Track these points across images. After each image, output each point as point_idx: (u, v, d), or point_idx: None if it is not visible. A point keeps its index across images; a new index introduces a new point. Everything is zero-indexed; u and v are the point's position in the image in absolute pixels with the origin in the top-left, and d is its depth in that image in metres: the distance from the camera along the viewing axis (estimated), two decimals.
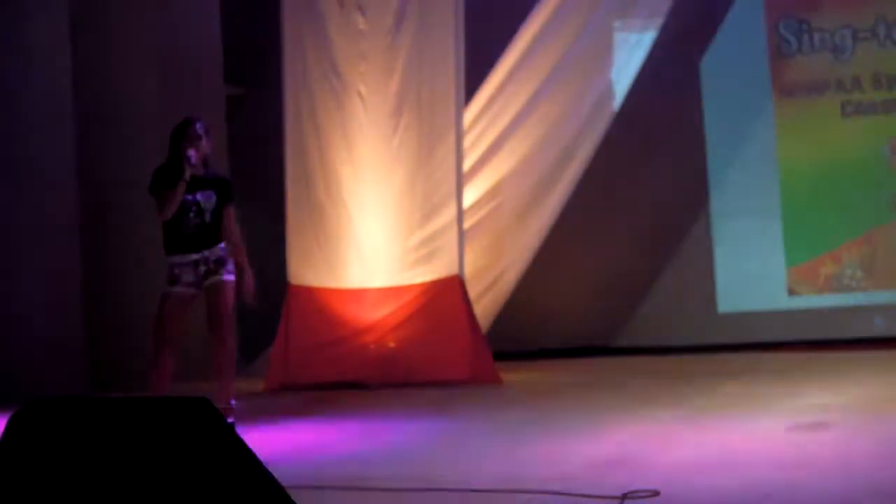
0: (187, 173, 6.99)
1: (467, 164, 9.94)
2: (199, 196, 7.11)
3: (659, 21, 10.40)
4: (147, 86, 10.40)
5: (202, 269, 7.10)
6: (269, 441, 6.63)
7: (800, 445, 5.80)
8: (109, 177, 10.13)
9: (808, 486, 4.74)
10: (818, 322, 10.87)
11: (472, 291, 9.68)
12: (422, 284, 9.49)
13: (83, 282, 9.71)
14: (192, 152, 7.00)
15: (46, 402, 3.67)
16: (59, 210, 9.60)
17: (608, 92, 10.49)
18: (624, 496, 4.56)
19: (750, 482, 4.91)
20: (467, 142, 9.96)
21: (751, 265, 11.12)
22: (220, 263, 7.13)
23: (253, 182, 11.32)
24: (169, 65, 10.62)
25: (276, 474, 3.55)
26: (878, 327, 10.74)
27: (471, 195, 10.03)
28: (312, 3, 9.77)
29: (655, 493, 4.57)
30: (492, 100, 10.24)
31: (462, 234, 9.53)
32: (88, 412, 3.62)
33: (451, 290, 9.41)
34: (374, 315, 9.54)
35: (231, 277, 7.15)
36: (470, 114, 10.11)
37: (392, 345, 9.51)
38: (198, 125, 7.15)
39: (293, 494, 3.62)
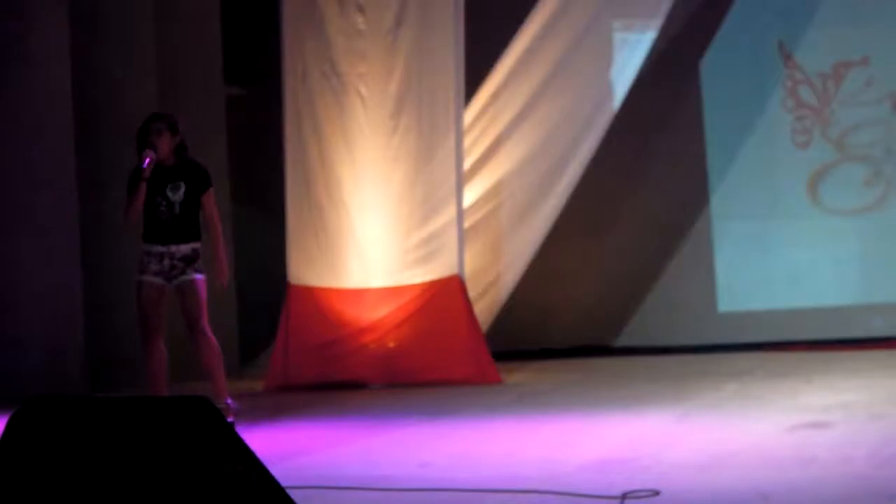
0: (146, 173, 7.09)
1: (467, 164, 9.94)
2: (167, 189, 7.19)
3: (659, 21, 10.39)
4: (147, 86, 10.39)
5: (167, 262, 7.17)
6: (269, 441, 6.62)
7: (800, 445, 5.80)
8: (109, 177, 10.12)
9: (808, 486, 4.74)
10: (818, 322, 10.86)
11: (472, 291, 9.68)
12: (421, 284, 9.49)
13: (83, 282, 9.70)
14: (148, 154, 7.08)
15: (46, 401, 3.68)
16: (59, 210, 9.60)
17: (608, 92, 10.48)
18: (624, 496, 4.56)
19: (750, 482, 4.90)
20: (467, 142, 9.96)
21: (751, 265, 11.12)
22: (188, 261, 7.18)
23: (253, 182, 11.32)
24: (169, 65, 10.61)
25: (276, 474, 3.55)
26: (878, 327, 10.74)
27: (471, 195, 10.03)
28: (312, 3, 9.77)
29: (655, 493, 4.57)
30: (492, 100, 10.24)
31: (462, 234, 9.52)
32: (88, 412, 3.62)
33: (450, 290, 9.41)
34: (373, 315, 9.53)
35: (201, 276, 7.20)
36: (470, 114, 10.10)
37: (392, 345, 9.50)
38: (158, 122, 7.24)
39: (293, 494, 3.62)
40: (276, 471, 3.63)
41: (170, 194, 7.20)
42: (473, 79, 9.97)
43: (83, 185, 9.79)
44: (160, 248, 7.17)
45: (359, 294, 9.58)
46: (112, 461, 3.48)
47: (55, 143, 9.57)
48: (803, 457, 5.44)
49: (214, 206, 7.36)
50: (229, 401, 7.16)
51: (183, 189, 7.21)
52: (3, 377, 8.99)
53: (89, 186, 9.93)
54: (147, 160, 7.10)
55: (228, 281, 7.40)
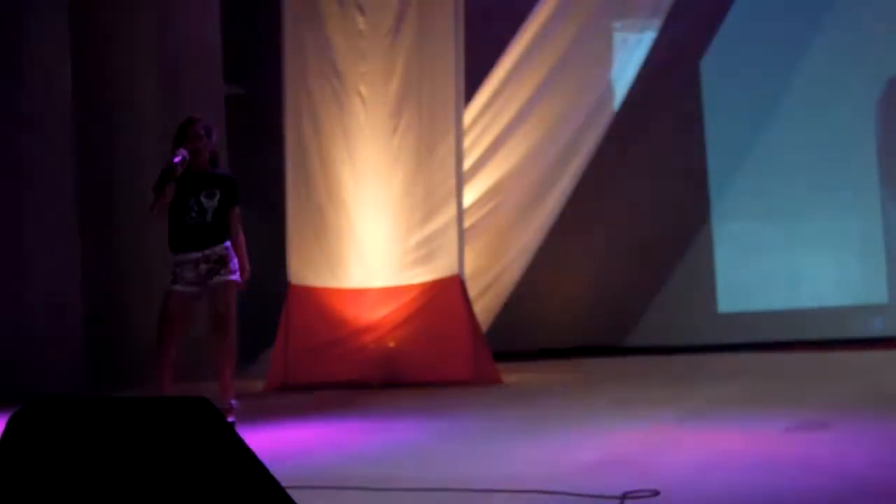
0: (178, 171, 7.01)
1: (467, 164, 9.94)
2: (202, 195, 7.12)
3: (659, 21, 10.39)
4: (147, 86, 10.40)
5: (203, 267, 7.10)
6: (269, 441, 6.63)
7: (799, 445, 5.80)
8: (110, 177, 10.14)
9: (808, 487, 4.74)
10: (818, 322, 10.87)
11: (472, 291, 9.68)
12: (422, 284, 9.49)
13: (83, 282, 9.71)
14: (180, 153, 7.02)
15: (46, 401, 3.67)
16: (59, 210, 9.60)
17: (608, 92, 10.48)
18: (624, 496, 4.56)
19: (749, 482, 4.91)
20: (467, 142, 9.96)
21: (751, 265, 11.12)
22: (222, 262, 7.12)
23: (253, 182, 11.32)
24: (169, 65, 10.62)
25: (276, 474, 3.56)
26: (878, 327, 10.74)
27: (471, 195, 10.03)
28: (312, 3, 9.77)
29: (655, 493, 4.58)
30: (492, 100, 10.24)
31: (462, 234, 9.53)
32: (88, 412, 3.62)
33: (451, 290, 9.41)
34: (374, 315, 9.54)
35: (234, 277, 7.15)
36: (470, 114, 10.11)
37: (392, 345, 9.51)
38: (198, 125, 7.17)
39: (293, 494, 3.62)
40: (276, 471, 3.63)
41: (204, 201, 7.12)
42: (473, 79, 9.97)
43: (83, 184, 9.80)
44: (195, 255, 7.10)
45: (359, 294, 9.58)
46: (112, 462, 3.48)
47: (55, 143, 9.58)
48: (803, 457, 5.44)
49: (238, 220, 7.30)
50: (234, 402, 7.16)
51: (218, 197, 7.16)
52: (3, 376, 9.00)
53: (89, 186, 9.93)
54: (178, 158, 7.02)
55: (247, 280, 7.34)
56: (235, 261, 7.20)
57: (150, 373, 7.22)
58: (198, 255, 7.11)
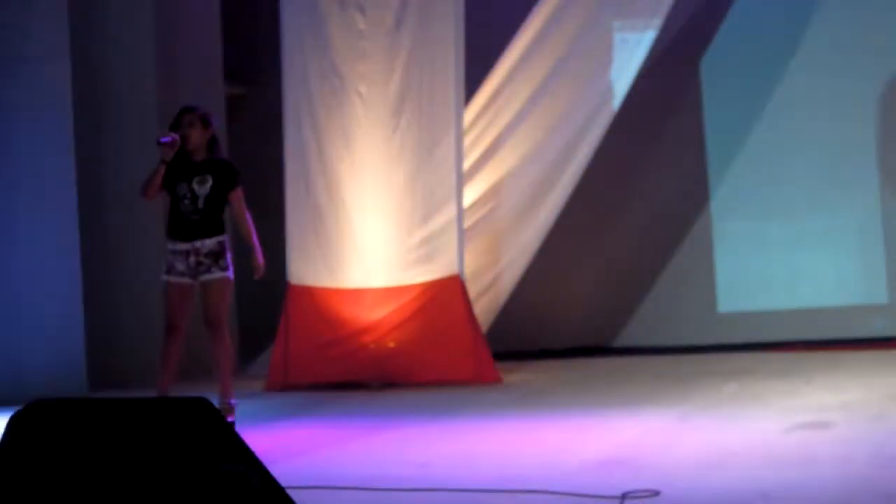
0: (168, 155, 7.04)
1: (467, 164, 9.94)
2: (194, 182, 7.14)
3: (659, 21, 10.39)
4: (147, 86, 10.40)
5: (192, 259, 7.11)
6: (269, 441, 6.63)
7: (800, 445, 5.81)
8: (110, 177, 10.13)
9: (808, 486, 4.75)
10: (818, 322, 10.86)
11: (471, 291, 9.68)
12: (422, 284, 9.49)
13: (83, 282, 9.70)
14: (170, 136, 7.04)
15: (47, 403, 3.68)
16: (59, 209, 9.60)
17: (608, 92, 10.47)
18: (624, 496, 4.57)
19: (750, 482, 4.91)
20: (467, 142, 9.96)
21: (751, 265, 11.12)
22: (213, 257, 7.12)
23: (252, 182, 11.32)
24: (169, 65, 10.62)
25: (276, 474, 3.56)
26: (878, 327, 10.74)
27: (471, 195, 10.03)
28: (312, 3, 9.77)
29: (655, 493, 4.58)
30: (492, 100, 10.24)
31: (462, 234, 9.53)
32: (88, 413, 3.63)
33: (451, 290, 9.41)
34: (373, 315, 9.53)
35: (225, 274, 7.15)
36: (470, 114, 10.11)
37: (392, 345, 9.50)
38: (192, 114, 7.20)
39: (293, 494, 3.63)
40: (276, 471, 3.64)
41: (196, 188, 7.14)
42: (473, 79, 9.97)
43: (83, 184, 9.80)
44: (185, 246, 7.12)
45: (359, 294, 9.58)
46: (112, 463, 3.48)
47: (55, 142, 9.58)
48: (803, 457, 5.44)
49: (243, 203, 7.32)
50: (233, 401, 7.16)
51: (210, 183, 7.15)
52: (3, 379, 9.00)
53: (89, 186, 9.93)
54: (168, 138, 7.03)
55: (263, 272, 7.39)
56: (230, 256, 7.21)
57: (150, 373, 7.22)
58: (187, 246, 7.12)
